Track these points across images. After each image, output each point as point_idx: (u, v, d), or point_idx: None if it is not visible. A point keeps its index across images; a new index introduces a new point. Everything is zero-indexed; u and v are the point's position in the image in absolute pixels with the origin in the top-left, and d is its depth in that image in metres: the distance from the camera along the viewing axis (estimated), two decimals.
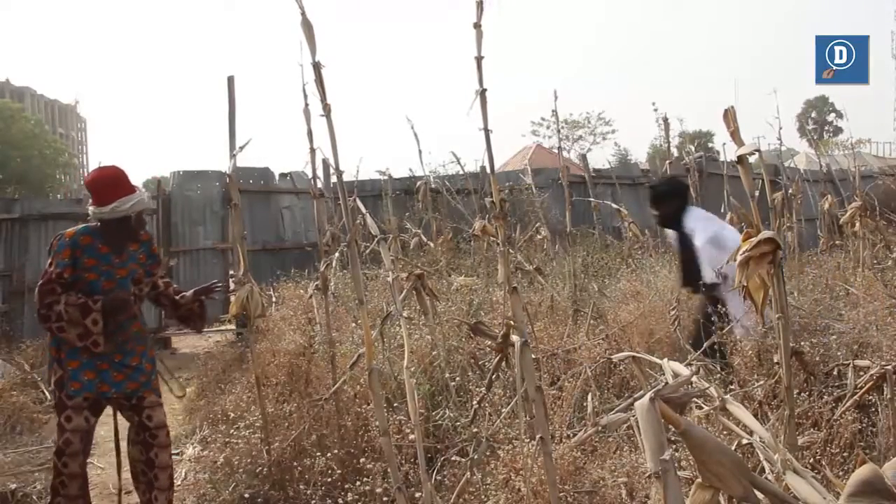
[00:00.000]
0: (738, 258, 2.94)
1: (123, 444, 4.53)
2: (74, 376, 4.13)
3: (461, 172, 12.13)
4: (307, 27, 2.75)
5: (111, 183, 4.20)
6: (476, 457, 3.87)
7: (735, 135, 3.13)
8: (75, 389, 4.12)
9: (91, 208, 4.20)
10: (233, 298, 5.13)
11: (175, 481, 5.63)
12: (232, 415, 5.68)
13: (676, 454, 2.71)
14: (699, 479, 1.82)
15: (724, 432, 3.06)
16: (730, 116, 3.15)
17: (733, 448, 2.56)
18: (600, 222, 11.12)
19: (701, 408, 3.16)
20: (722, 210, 9.60)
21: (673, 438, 2.15)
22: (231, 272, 12.39)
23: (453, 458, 4.25)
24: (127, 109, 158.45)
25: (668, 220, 5.90)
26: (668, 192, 5.94)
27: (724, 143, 11.22)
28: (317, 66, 2.74)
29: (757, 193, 3.13)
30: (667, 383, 2.08)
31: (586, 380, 4.81)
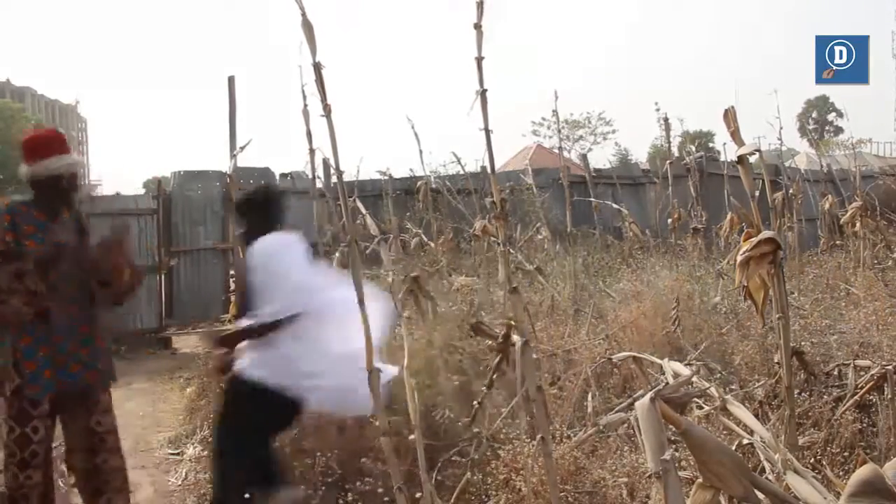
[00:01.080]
0: (739, 258, 2.95)
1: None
2: (33, 379, 3.90)
3: (462, 172, 12.13)
4: (307, 28, 2.75)
5: (45, 142, 4.06)
6: (476, 457, 3.87)
7: (735, 135, 3.13)
8: (36, 393, 3.90)
9: (24, 167, 4.01)
10: (233, 298, 5.12)
11: (177, 480, 5.66)
12: None
13: (677, 454, 2.71)
14: (700, 479, 1.83)
15: (725, 432, 3.06)
16: (730, 116, 3.15)
17: (734, 448, 2.56)
18: (601, 222, 11.13)
19: (701, 408, 3.16)
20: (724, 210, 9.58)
21: (673, 438, 2.15)
22: (231, 272, 12.38)
23: (453, 458, 4.24)
24: (127, 109, 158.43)
25: (252, 237, 4.36)
26: (252, 203, 4.60)
27: (725, 143, 11.25)
28: (317, 67, 2.73)
29: (757, 193, 3.14)
30: (667, 383, 2.08)
31: (586, 380, 4.81)
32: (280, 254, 4.21)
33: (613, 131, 52.65)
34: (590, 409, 4.28)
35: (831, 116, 63.37)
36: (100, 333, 4.19)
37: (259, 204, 4.55)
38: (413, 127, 9.44)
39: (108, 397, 4.21)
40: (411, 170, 13.54)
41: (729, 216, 9.64)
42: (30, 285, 3.82)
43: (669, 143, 10.50)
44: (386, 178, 12.74)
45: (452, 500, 3.73)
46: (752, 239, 2.94)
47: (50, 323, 3.91)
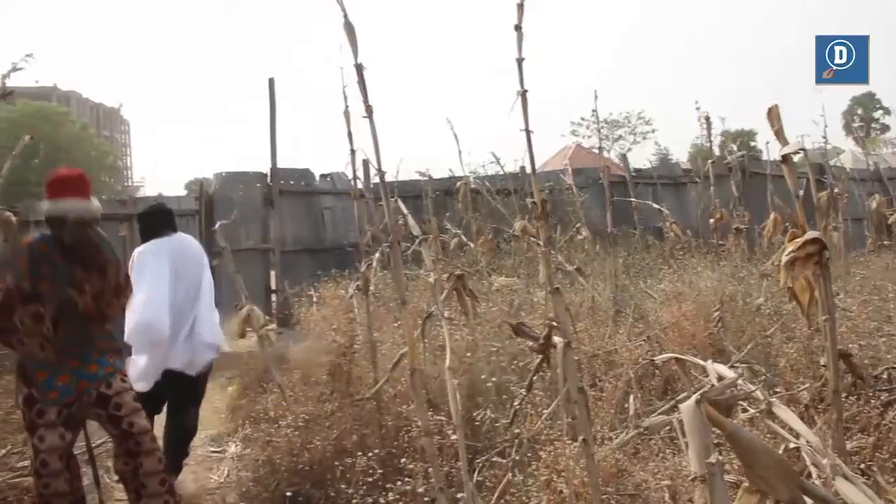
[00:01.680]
0: (784, 259, 2.91)
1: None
2: (48, 386, 3.97)
3: (501, 173, 12.11)
4: (349, 29, 2.77)
5: (62, 183, 4.08)
6: (517, 458, 3.86)
7: (779, 133, 3.09)
8: (52, 399, 3.96)
9: (44, 202, 4.07)
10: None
11: (219, 478, 5.72)
12: (274, 413, 5.74)
13: (721, 457, 2.68)
14: (746, 483, 1.80)
15: (769, 436, 3.02)
16: (774, 115, 3.11)
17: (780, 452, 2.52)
18: (641, 222, 11.04)
19: (746, 410, 3.12)
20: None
21: (717, 441, 2.12)
22: (272, 272, 12.50)
23: (494, 459, 4.24)
24: (169, 111, 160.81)
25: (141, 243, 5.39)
26: (141, 217, 5.61)
27: (768, 142, 11.08)
28: (359, 69, 2.75)
29: (802, 193, 3.09)
30: (712, 386, 2.06)
31: (628, 381, 4.78)
32: (140, 258, 5.17)
33: (653, 131, 52.20)
34: (631, 411, 4.23)
35: (878, 113, 62.08)
36: (114, 343, 4.31)
37: (144, 218, 5.50)
38: (452, 127, 9.46)
39: (132, 397, 4.24)
40: (450, 170, 13.58)
41: (772, 216, 9.51)
42: (45, 331, 3.88)
43: (711, 142, 10.37)
44: (425, 178, 12.78)
45: (493, 501, 3.72)
46: (798, 239, 2.90)
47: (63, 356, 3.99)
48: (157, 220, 5.41)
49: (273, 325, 11.06)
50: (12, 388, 6.33)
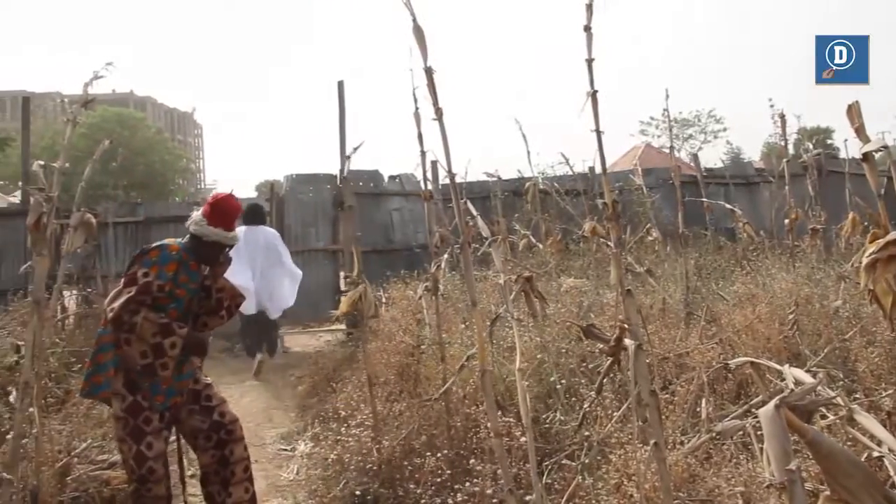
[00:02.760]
0: (865, 260, 2.82)
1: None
2: (156, 390, 4.05)
3: (570, 173, 12.02)
4: (418, 33, 2.78)
5: (232, 215, 4.29)
6: (586, 460, 3.83)
7: (860, 131, 3.00)
8: (160, 403, 4.06)
9: (200, 219, 4.19)
10: (344, 298, 5.24)
11: (289, 476, 5.81)
12: (343, 413, 5.80)
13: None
14: (826, 493, 1.75)
15: (850, 444, 2.93)
16: (854, 112, 3.03)
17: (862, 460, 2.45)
18: (713, 223, 10.83)
19: (824, 417, 3.03)
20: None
21: (794, 448, 2.07)
22: (343, 273, 12.65)
23: (563, 462, 4.21)
24: (241, 115, 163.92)
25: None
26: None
27: (846, 140, 10.72)
28: (428, 71, 2.76)
29: (883, 191, 3.00)
30: (791, 390, 2.01)
31: (700, 385, 4.70)
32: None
33: (724, 129, 51.06)
34: (703, 415, 4.16)
35: None
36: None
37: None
38: (521, 128, 9.42)
39: (217, 389, 4.42)
40: (519, 171, 13.52)
41: (850, 216, 9.22)
42: (166, 347, 3.97)
43: (786, 140, 10.07)
44: (494, 179, 12.76)
45: None
46: (879, 240, 2.81)
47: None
48: (248, 214, 9.25)
49: (342, 326, 11.27)
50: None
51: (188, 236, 4.23)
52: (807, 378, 3.13)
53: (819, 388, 2.35)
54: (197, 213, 4.25)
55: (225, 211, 4.23)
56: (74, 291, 10.18)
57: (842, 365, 5.16)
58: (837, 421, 2.82)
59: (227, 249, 4.28)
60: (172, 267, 4.07)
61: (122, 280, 4.07)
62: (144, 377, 4.03)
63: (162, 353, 3.97)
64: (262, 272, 9.31)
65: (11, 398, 5.68)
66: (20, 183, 13.75)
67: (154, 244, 4.18)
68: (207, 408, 4.27)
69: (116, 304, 3.94)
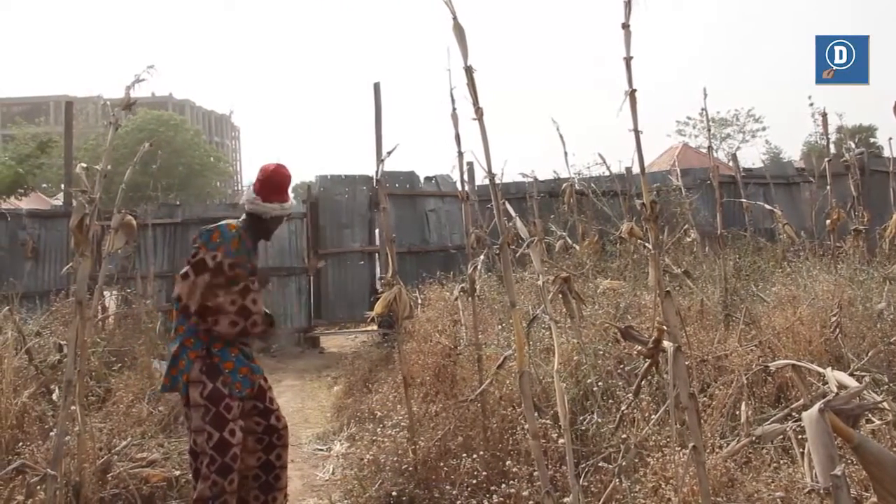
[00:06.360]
0: None
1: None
2: (234, 377, 4.00)
3: (606, 174, 11.95)
4: (459, 31, 2.77)
5: (286, 186, 4.30)
6: (624, 463, 3.79)
7: None
8: (239, 390, 4.01)
9: (255, 197, 4.21)
10: (379, 299, 5.25)
11: (325, 475, 5.83)
12: (379, 413, 5.81)
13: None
14: (873, 499, 1.71)
15: (895, 449, 2.87)
16: None
17: None
18: (752, 224, 10.69)
19: (870, 421, 2.98)
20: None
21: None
22: (378, 274, 12.70)
23: (600, 465, 4.18)
24: (277, 117, 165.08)
25: None
26: None
27: (891, 138, 10.50)
28: (468, 71, 2.75)
29: None
30: (835, 394, 1.97)
31: (739, 388, 4.64)
32: None
33: (763, 129, 50.25)
34: (743, 419, 4.11)
35: None
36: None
37: None
38: (558, 128, 9.39)
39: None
40: (555, 171, 13.47)
41: (894, 216, 9.04)
42: (248, 304, 4.00)
43: (827, 138, 9.90)
44: (530, 180, 12.73)
45: None
46: None
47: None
48: None
49: (376, 326, 11.31)
50: (131, 383, 6.67)
51: (244, 216, 4.26)
52: (850, 382, 3.07)
53: (864, 392, 2.30)
54: (249, 192, 4.30)
55: (277, 183, 4.24)
56: (114, 292, 10.31)
57: (886, 369, 5.07)
58: (884, 426, 2.77)
59: (286, 219, 4.36)
60: (235, 243, 4.09)
61: (188, 268, 4.02)
62: (227, 363, 4.01)
63: (248, 314, 3.99)
64: None
65: (54, 396, 5.81)
66: (62, 185, 13.96)
67: (210, 226, 4.16)
68: (269, 410, 4.26)
69: (196, 297, 3.94)
